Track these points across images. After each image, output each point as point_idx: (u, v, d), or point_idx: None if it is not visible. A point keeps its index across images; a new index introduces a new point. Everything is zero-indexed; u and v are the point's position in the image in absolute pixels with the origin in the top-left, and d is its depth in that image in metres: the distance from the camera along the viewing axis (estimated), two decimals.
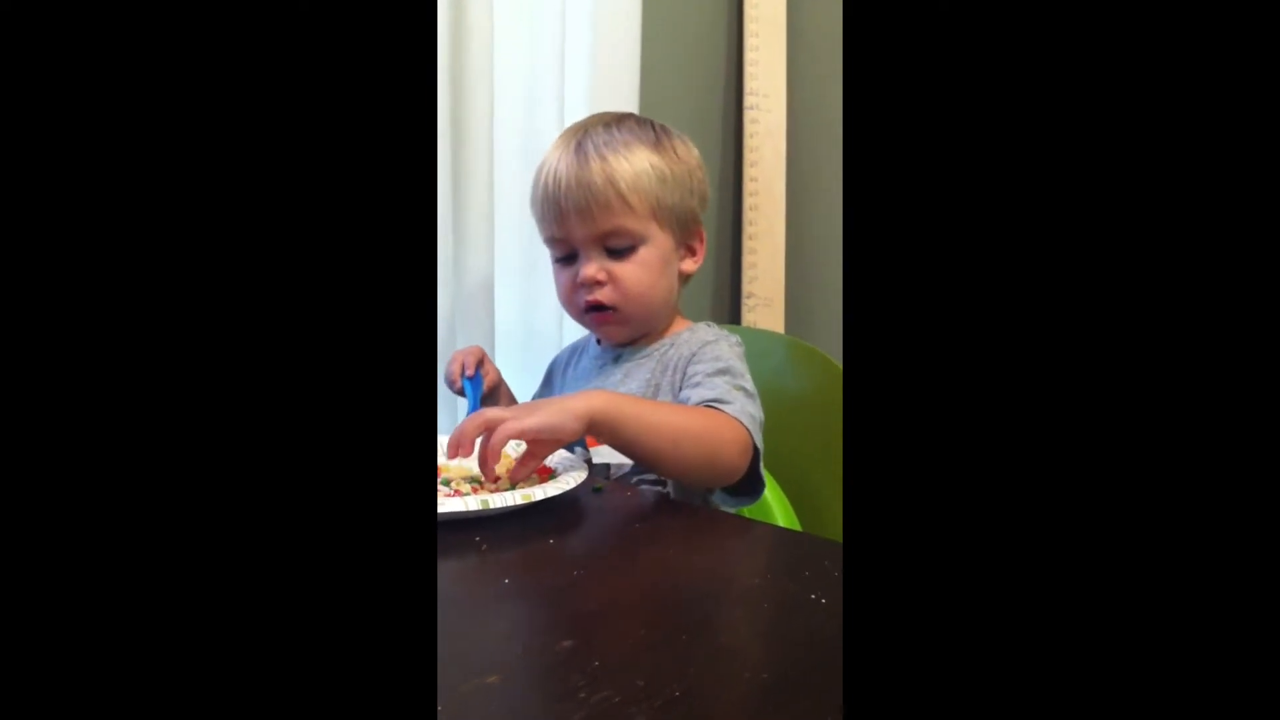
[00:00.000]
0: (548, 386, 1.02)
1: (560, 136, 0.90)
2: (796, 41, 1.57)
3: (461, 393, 0.94)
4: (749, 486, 0.79)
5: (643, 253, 0.86)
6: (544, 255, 1.24)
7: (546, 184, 0.86)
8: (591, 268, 0.86)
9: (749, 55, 1.55)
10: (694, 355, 0.86)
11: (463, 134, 1.11)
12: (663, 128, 0.90)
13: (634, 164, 0.84)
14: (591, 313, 0.87)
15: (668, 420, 0.73)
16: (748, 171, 1.58)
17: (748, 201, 1.57)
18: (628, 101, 1.27)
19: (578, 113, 1.25)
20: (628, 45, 1.27)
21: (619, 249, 0.86)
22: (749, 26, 1.55)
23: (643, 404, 0.74)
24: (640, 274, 0.86)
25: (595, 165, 0.84)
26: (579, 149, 0.85)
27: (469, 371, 0.94)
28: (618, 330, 0.90)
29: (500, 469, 0.71)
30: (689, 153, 0.90)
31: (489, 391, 0.96)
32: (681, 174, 0.88)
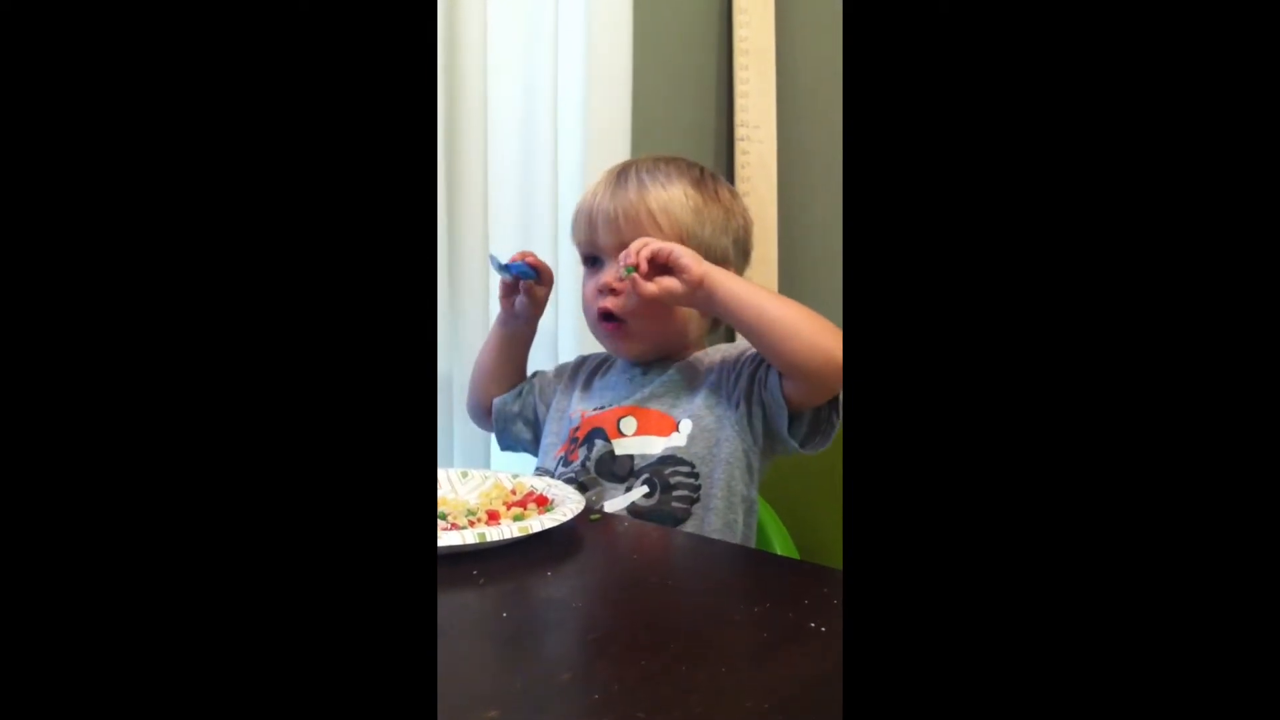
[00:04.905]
0: (571, 381, 0.99)
1: (610, 168, 0.95)
2: (786, 72, 1.59)
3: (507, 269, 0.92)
4: (824, 425, 0.83)
5: None
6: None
7: (585, 199, 0.92)
8: (611, 274, 0.88)
9: (739, 87, 1.56)
10: (724, 355, 0.89)
11: (457, 174, 1.12)
12: (711, 172, 0.93)
13: (669, 192, 0.89)
14: (604, 322, 0.89)
15: (773, 295, 0.82)
16: None
17: None
18: (620, 135, 1.28)
19: (572, 147, 1.26)
20: (619, 79, 1.28)
21: None
22: (739, 59, 1.56)
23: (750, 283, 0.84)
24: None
25: (632, 186, 0.89)
26: (622, 173, 0.91)
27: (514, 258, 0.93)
28: (626, 345, 0.91)
29: (496, 502, 0.71)
30: (730, 199, 0.93)
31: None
32: (716, 213, 0.90)
